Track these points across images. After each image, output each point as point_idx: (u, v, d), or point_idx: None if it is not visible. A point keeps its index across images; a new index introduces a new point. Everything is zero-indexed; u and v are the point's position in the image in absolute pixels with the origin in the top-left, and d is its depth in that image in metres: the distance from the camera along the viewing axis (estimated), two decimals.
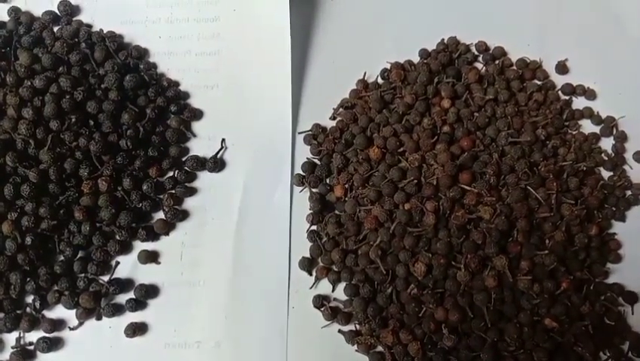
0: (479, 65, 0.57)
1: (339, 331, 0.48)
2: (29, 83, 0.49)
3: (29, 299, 0.48)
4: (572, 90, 0.56)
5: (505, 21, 0.58)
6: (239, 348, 0.47)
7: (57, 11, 0.55)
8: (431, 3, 0.59)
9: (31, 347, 0.47)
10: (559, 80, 0.56)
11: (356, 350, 0.47)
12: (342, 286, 0.49)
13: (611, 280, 0.50)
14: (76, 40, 0.54)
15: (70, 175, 0.49)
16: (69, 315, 0.48)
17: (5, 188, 0.46)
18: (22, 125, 0.47)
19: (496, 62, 0.57)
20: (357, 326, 0.48)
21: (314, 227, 0.51)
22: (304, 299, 0.49)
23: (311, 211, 0.51)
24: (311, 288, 0.49)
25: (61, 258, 0.49)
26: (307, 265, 0.50)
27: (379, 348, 0.47)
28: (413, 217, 0.48)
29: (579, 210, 0.49)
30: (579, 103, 0.56)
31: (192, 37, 0.56)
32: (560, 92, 0.56)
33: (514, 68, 0.56)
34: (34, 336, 0.47)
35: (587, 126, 0.55)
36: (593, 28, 0.58)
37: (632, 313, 0.48)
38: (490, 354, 0.46)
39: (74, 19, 0.55)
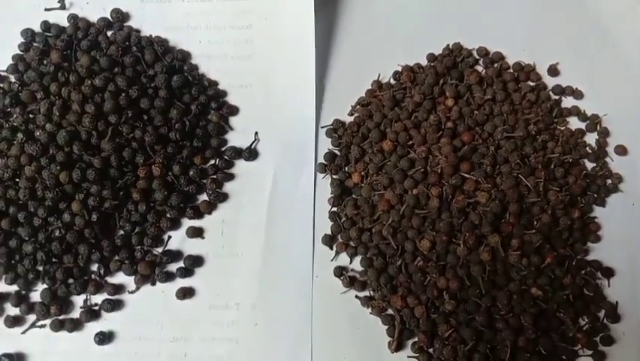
0: (480, 68, 0.58)
1: (356, 296, 0.51)
2: (90, 82, 0.52)
3: (95, 267, 0.51)
4: (562, 91, 0.58)
5: (503, 28, 0.60)
6: (271, 310, 0.51)
7: (110, 18, 0.58)
8: (438, 13, 0.61)
9: (97, 308, 0.50)
10: (550, 82, 0.58)
11: (370, 313, 0.50)
12: (358, 258, 0.52)
13: (590, 257, 0.52)
14: (128, 44, 0.56)
15: (128, 162, 0.52)
16: (128, 281, 0.51)
17: (73, 173, 0.49)
18: (86, 119, 0.50)
19: (495, 65, 0.58)
20: (371, 292, 0.51)
21: (334, 209, 0.53)
22: (326, 270, 0.52)
23: (332, 195, 0.54)
24: (332, 260, 0.52)
25: (121, 232, 0.52)
26: (329, 240, 0.53)
27: (390, 311, 0.50)
28: (420, 201, 0.51)
29: (564, 196, 0.52)
30: (567, 102, 0.58)
31: (228, 43, 0.58)
32: (550, 92, 0.58)
33: (511, 70, 0.58)
34: (99, 298, 0.51)
35: (574, 123, 0.57)
36: (581, 35, 0.60)
37: (608, 286, 0.51)
38: (484, 317, 0.48)
39: (125, 24, 0.58)
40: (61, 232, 0.50)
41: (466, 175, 0.52)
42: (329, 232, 0.53)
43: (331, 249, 0.53)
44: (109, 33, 0.58)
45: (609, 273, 0.52)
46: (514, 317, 0.49)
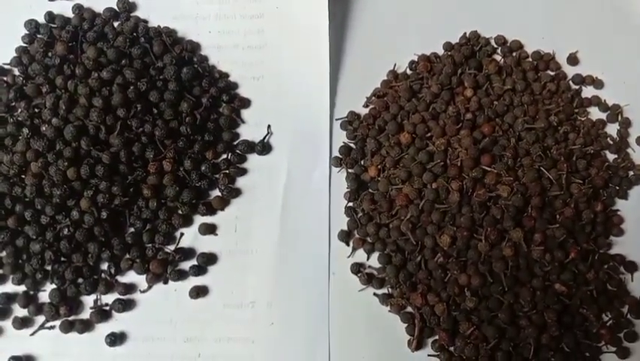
0: (498, 57, 0.57)
1: (374, 294, 0.50)
2: (97, 75, 0.51)
3: (105, 266, 0.50)
4: (582, 80, 0.57)
5: (521, 16, 0.59)
6: (288, 308, 0.50)
7: (116, 8, 0.57)
8: (454, 0, 0.60)
9: (107, 308, 0.50)
10: (570, 71, 0.58)
11: (389, 311, 0.50)
12: (375, 255, 0.51)
13: (613, 251, 0.52)
14: (135, 34, 0.55)
15: (138, 157, 0.51)
16: (140, 280, 0.51)
17: (82, 169, 0.48)
18: (94, 113, 0.50)
19: (514, 54, 0.57)
20: (390, 290, 0.51)
21: (350, 203, 0.53)
22: (343, 266, 0.51)
23: (348, 189, 0.53)
24: (348, 257, 0.52)
25: (132, 230, 0.51)
26: (345, 236, 0.52)
27: (409, 309, 0.50)
28: (440, 195, 0.50)
29: (586, 189, 0.51)
30: (588, 92, 0.57)
31: (239, 33, 0.57)
32: (570, 82, 0.57)
33: (530, 59, 0.57)
34: (109, 298, 0.50)
35: (595, 113, 0.56)
36: (601, 22, 0.59)
37: (632, 281, 0.51)
38: (506, 314, 0.48)
39: (132, 15, 0.57)
40: (70, 230, 0.49)
41: (487, 168, 0.51)
42: (345, 228, 0.53)
43: (348, 245, 0.53)
44: (115, 24, 0.57)
45: (632, 267, 0.52)
46: (538, 314, 0.48)
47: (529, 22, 0.59)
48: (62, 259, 0.50)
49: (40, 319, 0.50)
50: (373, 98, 0.57)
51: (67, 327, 0.49)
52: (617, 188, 0.54)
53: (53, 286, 0.50)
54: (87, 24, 0.56)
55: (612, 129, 0.56)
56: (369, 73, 0.57)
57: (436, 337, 0.49)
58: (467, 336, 0.48)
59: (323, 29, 0.56)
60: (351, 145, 0.55)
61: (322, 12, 0.56)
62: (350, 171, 0.54)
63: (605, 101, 0.57)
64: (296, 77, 0.56)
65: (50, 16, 0.56)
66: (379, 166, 0.53)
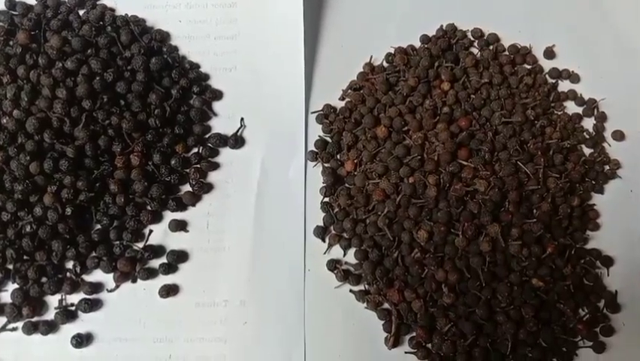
0: (475, 50, 0.58)
1: (350, 290, 0.50)
2: (61, 65, 0.50)
3: (70, 265, 0.49)
4: (558, 74, 0.57)
5: (499, 9, 0.59)
6: (261, 306, 0.49)
7: None
8: None
9: (73, 308, 0.49)
10: (546, 65, 0.58)
11: (365, 308, 0.50)
12: (352, 251, 0.51)
13: (590, 245, 0.52)
14: (102, 23, 0.54)
15: (104, 151, 0.50)
16: (107, 278, 0.50)
17: (45, 163, 0.48)
18: (57, 105, 0.49)
19: (491, 47, 0.57)
20: (367, 286, 0.50)
21: (327, 199, 0.52)
22: (319, 263, 0.51)
23: (324, 184, 0.53)
24: (324, 253, 0.51)
25: (98, 227, 0.50)
26: (321, 232, 0.52)
27: (386, 305, 0.50)
28: (417, 190, 0.50)
29: (563, 183, 0.51)
30: (564, 86, 0.57)
31: (211, 22, 0.56)
32: (547, 76, 0.57)
33: (507, 53, 0.57)
34: (75, 298, 0.49)
35: (571, 107, 0.57)
36: (578, 17, 0.59)
37: (608, 275, 0.51)
38: (484, 310, 0.48)
39: (98, 3, 0.56)
40: (33, 228, 0.48)
41: (464, 162, 0.51)
42: (321, 224, 0.52)
43: (324, 241, 0.52)
44: (81, 12, 0.56)
45: (608, 262, 0.52)
46: (515, 310, 0.49)
47: (506, 15, 0.59)
48: (25, 257, 0.49)
49: (2, 320, 0.48)
50: (349, 90, 0.56)
51: (31, 328, 0.48)
52: (594, 182, 0.54)
53: (15, 285, 0.49)
54: (51, 12, 0.54)
55: (588, 123, 0.56)
56: (345, 65, 0.57)
57: (413, 334, 0.49)
58: (445, 333, 0.48)
59: (298, 19, 0.55)
60: (327, 139, 0.55)
61: (297, 2, 0.55)
62: (326, 165, 0.54)
63: (581, 95, 0.57)
64: (270, 69, 0.55)
65: (11, 3, 0.55)
66: (356, 160, 0.53)
